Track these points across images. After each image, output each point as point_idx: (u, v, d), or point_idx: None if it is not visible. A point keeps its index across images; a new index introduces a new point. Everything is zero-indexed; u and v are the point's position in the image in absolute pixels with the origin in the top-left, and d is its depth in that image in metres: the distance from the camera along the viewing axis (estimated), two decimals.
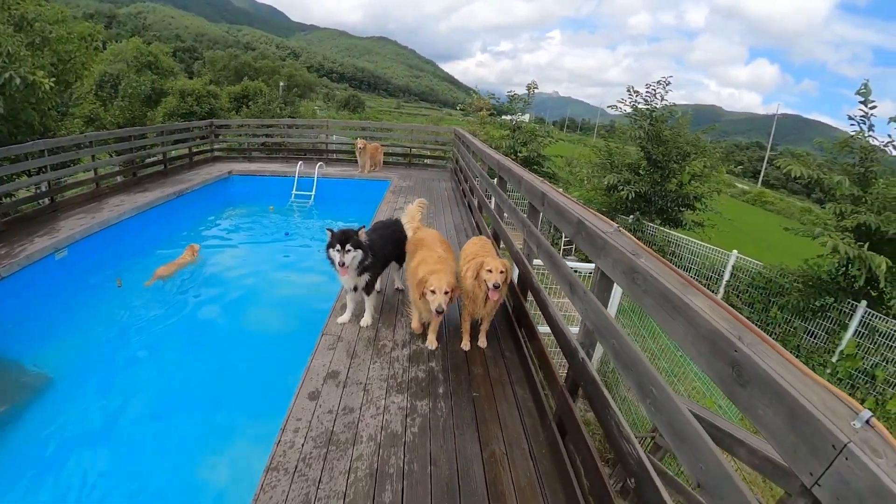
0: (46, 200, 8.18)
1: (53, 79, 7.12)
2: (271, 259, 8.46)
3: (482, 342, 3.96)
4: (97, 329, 5.89)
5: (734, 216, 13.66)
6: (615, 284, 2.10)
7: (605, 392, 2.11)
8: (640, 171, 12.11)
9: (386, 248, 4.36)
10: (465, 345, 3.94)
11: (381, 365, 3.71)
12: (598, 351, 5.76)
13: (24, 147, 7.46)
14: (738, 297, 9.56)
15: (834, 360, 8.19)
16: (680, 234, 11.23)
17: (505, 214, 5.63)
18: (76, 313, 6.15)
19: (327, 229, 3.79)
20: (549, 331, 3.26)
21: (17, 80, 6.34)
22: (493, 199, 6.22)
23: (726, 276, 9.77)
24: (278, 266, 8.13)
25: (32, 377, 4.94)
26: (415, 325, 4.11)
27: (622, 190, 11.74)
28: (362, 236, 3.83)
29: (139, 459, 3.99)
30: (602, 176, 12.78)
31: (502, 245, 5.56)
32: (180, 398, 4.74)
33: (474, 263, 3.61)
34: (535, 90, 16.25)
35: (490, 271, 3.47)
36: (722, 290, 9.77)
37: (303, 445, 2.78)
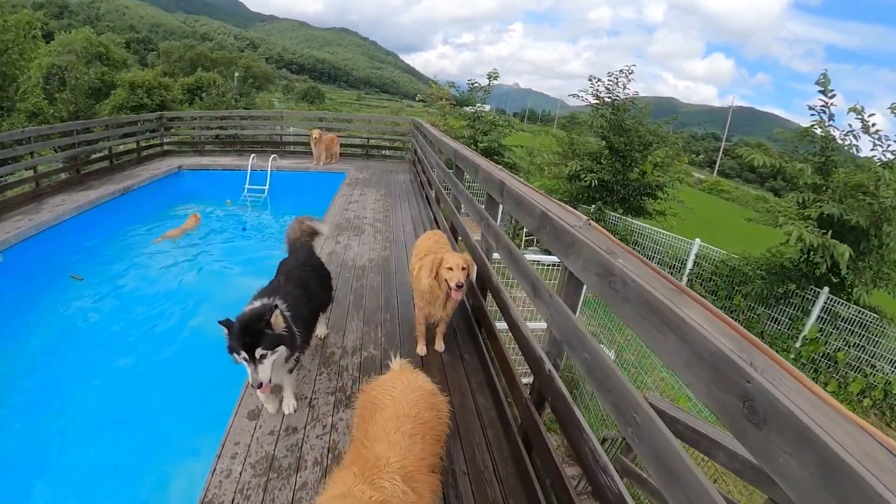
0: None
1: None
2: (227, 256, 8.01)
3: (439, 345, 3.63)
4: (33, 338, 5.39)
5: (693, 205, 13.76)
6: (585, 287, 1.80)
7: (578, 413, 1.80)
8: (602, 161, 12.00)
9: (313, 298, 3.00)
10: (421, 349, 3.60)
11: (328, 376, 3.34)
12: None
13: None
14: (701, 285, 9.57)
15: (797, 345, 8.29)
16: (642, 224, 11.19)
17: (462, 207, 5.26)
18: (11, 322, 5.57)
19: (220, 322, 2.25)
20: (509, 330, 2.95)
21: None
22: (450, 191, 5.88)
23: (689, 265, 9.76)
24: (232, 262, 7.71)
25: None
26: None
27: (585, 178, 11.60)
28: (278, 322, 2.28)
29: (66, 481, 3.57)
30: (563, 164, 12.61)
31: (460, 239, 5.24)
32: (119, 410, 4.27)
33: (430, 260, 3.24)
34: (496, 80, 15.97)
35: (451, 269, 3.12)
36: (685, 278, 9.75)
37: (241, 474, 2.43)
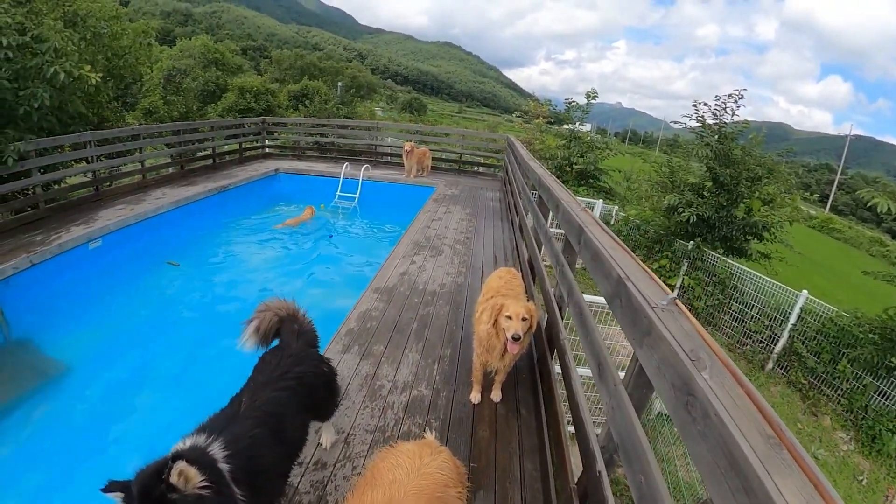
0: (92, 189, 8.32)
1: (101, 74, 7.26)
2: (307, 259, 8.25)
3: (496, 395, 3.32)
4: (120, 320, 5.84)
5: (801, 243, 12.21)
6: (655, 393, 1.44)
7: None
8: (704, 193, 11.02)
9: (289, 429, 2.02)
10: (475, 397, 3.31)
11: (371, 411, 3.15)
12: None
13: (70, 137, 7.53)
14: (804, 344, 8.44)
15: None
16: (743, 266, 10.08)
17: (543, 245, 4.86)
18: (101, 304, 6.09)
19: (106, 490, 1.42)
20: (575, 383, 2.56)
21: (62, 75, 6.45)
22: (531, 219, 5.52)
23: (792, 319, 8.62)
24: (314, 266, 7.92)
25: (49, 364, 4.88)
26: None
27: (683, 212, 10.69)
28: (187, 479, 1.41)
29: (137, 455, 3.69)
30: (662, 195, 11.73)
31: (537, 281, 4.86)
32: (192, 400, 4.36)
33: (491, 305, 2.96)
34: (595, 98, 15.34)
35: (509, 318, 2.82)
36: (786, 334, 8.64)
37: None
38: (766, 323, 9.03)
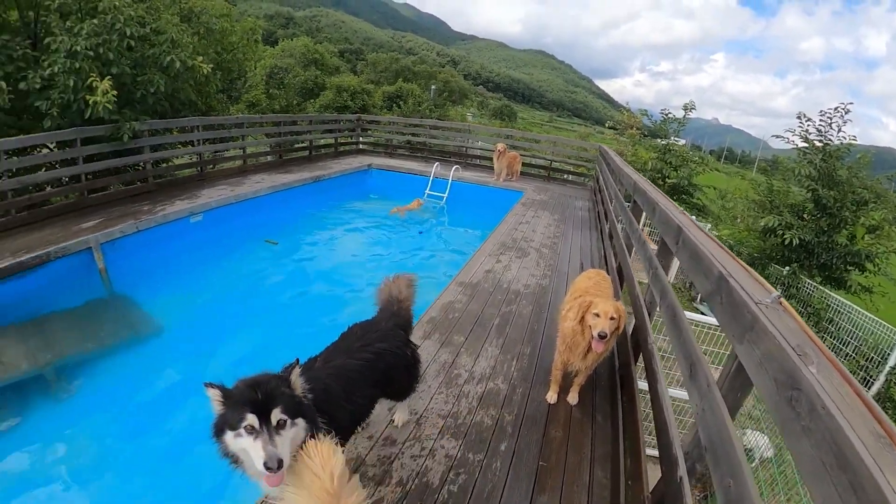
0: (196, 170, 9.16)
1: (211, 65, 8.01)
2: (395, 249, 8.53)
3: (572, 398, 3.25)
4: (211, 289, 6.35)
5: None
6: (754, 388, 1.36)
7: None
8: (805, 216, 10.14)
9: (357, 394, 2.06)
10: (551, 397, 3.26)
11: (446, 397, 3.20)
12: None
13: (180, 121, 8.40)
14: None
15: None
16: (842, 298, 9.13)
17: (634, 249, 4.72)
18: (196, 272, 6.66)
19: (207, 385, 1.52)
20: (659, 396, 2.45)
21: (178, 64, 7.13)
22: (624, 228, 5.36)
23: (891, 362, 7.68)
24: (401, 256, 8.19)
25: (142, 320, 5.34)
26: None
27: (782, 234, 9.88)
28: (297, 383, 1.62)
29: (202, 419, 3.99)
30: (759, 215, 10.91)
31: (626, 286, 4.72)
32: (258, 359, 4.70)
33: (579, 303, 2.90)
34: (693, 110, 14.57)
35: (597, 315, 2.76)
36: (883, 377, 7.72)
37: None
38: (862, 363, 8.14)
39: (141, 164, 7.96)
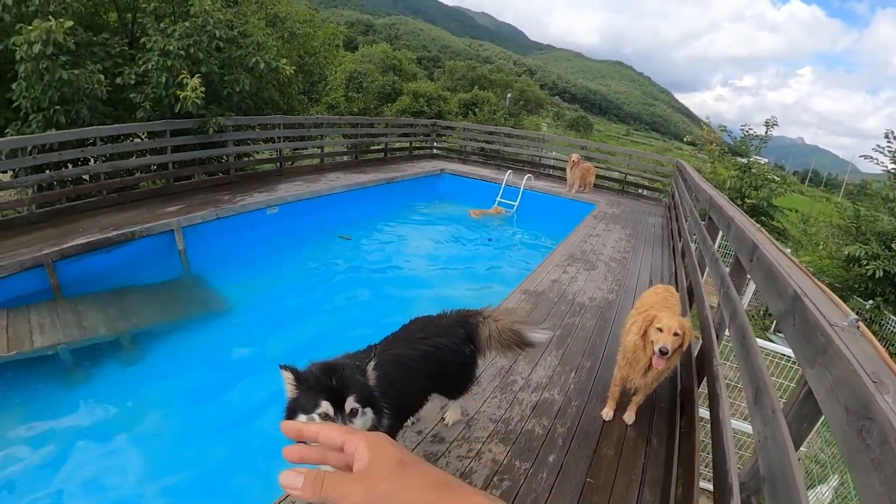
0: (276, 165, 9.71)
1: (294, 67, 8.57)
2: (464, 254, 8.63)
3: (629, 417, 3.14)
4: (281, 278, 6.69)
5: None
6: (823, 418, 1.26)
7: None
8: (894, 246, 9.23)
9: (413, 383, 2.10)
10: (607, 413, 3.16)
11: (499, 402, 3.19)
12: None
13: (263, 119, 8.93)
14: None
15: None
16: None
17: (707, 267, 4.49)
18: (268, 261, 7.05)
19: (284, 368, 1.45)
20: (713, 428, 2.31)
21: (262, 65, 7.62)
22: (697, 245, 5.12)
23: None
24: (468, 261, 8.26)
25: (216, 301, 5.70)
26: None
27: (867, 265, 9.05)
28: (370, 376, 1.59)
29: (268, 397, 4.14)
30: (843, 243, 10.06)
31: (695, 305, 4.50)
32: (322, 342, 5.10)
33: (643, 317, 2.80)
34: (775, 126, 13.63)
35: (660, 330, 2.66)
36: None
37: None
38: None
39: (224, 156, 8.51)
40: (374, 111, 20.01)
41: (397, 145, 14.27)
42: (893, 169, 9.83)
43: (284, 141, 9.60)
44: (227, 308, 5.55)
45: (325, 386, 1.43)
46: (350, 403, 1.43)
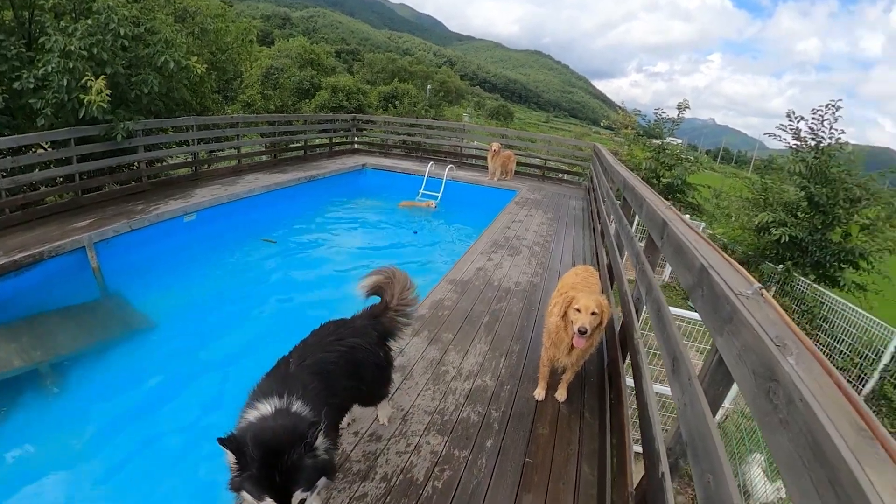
0: (191, 169, 9.12)
1: (205, 66, 8.08)
2: (389, 249, 8.50)
3: (560, 394, 3.22)
4: (204, 287, 6.35)
5: None
6: (735, 385, 1.32)
7: None
8: (799, 214, 10.14)
9: (338, 386, 2.00)
10: (539, 394, 3.23)
11: (433, 394, 3.18)
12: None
13: (174, 121, 8.37)
14: (895, 387, 7.50)
15: None
16: (836, 296, 9.13)
17: (624, 246, 4.69)
18: (188, 271, 6.66)
19: (222, 442, 1.36)
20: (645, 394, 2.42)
21: (172, 64, 7.13)
22: (613, 225, 5.34)
23: (885, 359, 7.66)
24: (395, 256, 8.15)
25: (138, 318, 5.33)
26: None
27: (775, 231, 9.89)
28: (320, 448, 1.48)
29: (205, 412, 4.01)
30: (753, 213, 10.92)
31: (616, 283, 4.70)
32: (249, 366, 4.72)
33: (563, 298, 2.89)
34: (687, 109, 14.55)
35: (578, 311, 2.74)
36: (877, 375, 7.71)
37: None
38: (856, 361, 8.15)
39: (135, 163, 7.95)
40: (292, 108, 19.41)
41: (317, 142, 13.90)
42: (794, 144, 10.69)
43: (199, 143, 9.08)
44: (151, 325, 5.22)
45: (268, 483, 1.35)
46: (297, 497, 1.38)
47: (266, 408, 1.58)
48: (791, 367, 1.01)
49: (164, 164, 8.96)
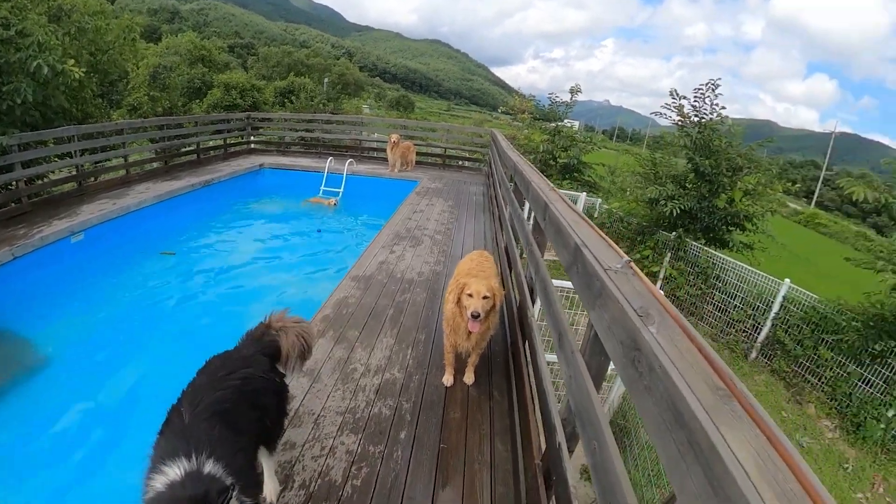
0: (76, 184, 8.21)
1: (84, 69, 7.41)
2: (292, 251, 8.21)
3: (468, 378, 3.29)
4: (103, 311, 5.82)
5: (786, 238, 12.20)
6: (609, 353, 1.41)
7: None
8: (687, 185, 11.05)
9: (242, 420, 1.85)
10: (447, 380, 3.27)
11: (343, 393, 3.12)
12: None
13: (54, 132, 7.50)
14: (786, 332, 8.47)
15: (890, 413, 7.03)
16: (726, 256, 10.10)
17: (517, 228, 4.84)
18: (82, 296, 6.05)
19: None
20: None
21: (46, 69, 6.49)
22: (508, 209, 5.50)
23: (775, 308, 8.64)
24: (298, 257, 7.90)
25: (29, 355, 4.81)
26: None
27: (664, 205, 10.72)
28: None
29: (110, 456, 3.66)
30: (644, 188, 11.75)
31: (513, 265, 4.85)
32: (162, 390, 4.36)
33: (456, 285, 2.95)
34: (579, 92, 15.34)
35: (470, 296, 2.80)
36: (769, 323, 8.67)
37: None
38: (749, 312, 9.04)
39: (12, 182, 7.02)
40: (183, 109, 18.21)
41: (211, 144, 13.10)
42: (678, 121, 11.52)
43: (83, 154, 8.18)
44: (46, 361, 4.69)
45: None
46: None
47: (173, 472, 1.43)
48: (652, 335, 1.07)
49: (46, 180, 8.05)
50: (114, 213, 7.28)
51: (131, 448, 3.62)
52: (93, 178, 8.78)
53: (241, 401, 1.85)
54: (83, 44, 8.75)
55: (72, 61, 6.98)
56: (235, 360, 2.03)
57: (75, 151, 7.98)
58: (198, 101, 22.28)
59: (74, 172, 8.27)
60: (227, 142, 13.29)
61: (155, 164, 10.42)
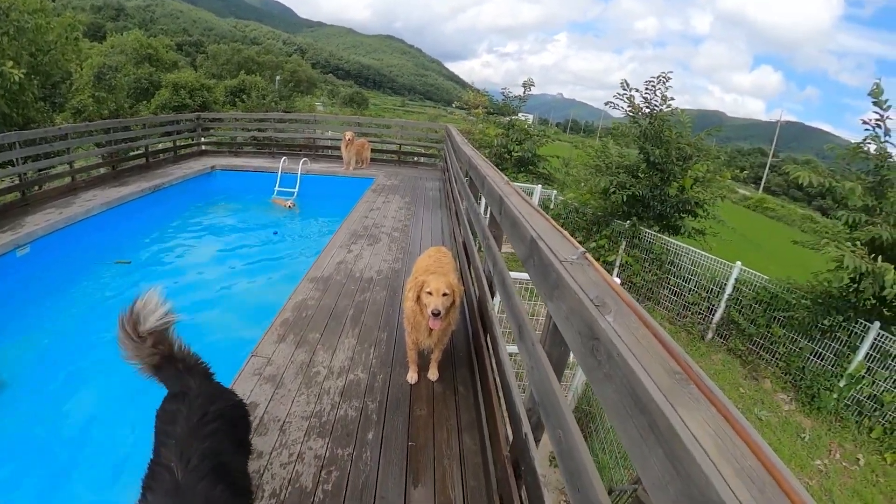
0: (19, 194, 7.72)
1: (25, 70, 6.89)
2: (248, 255, 7.99)
3: (432, 374, 3.29)
4: (55, 328, 5.52)
5: (736, 223, 12.74)
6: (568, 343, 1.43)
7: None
8: (639, 174, 11.37)
9: (238, 460, 1.90)
10: (412, 377, 3.27)
11: (307, 398, 3.07)
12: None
13: None
14: (740, 312, 8.87)
15: (841, 383, 7.48)
16: (679, 242, 10.47)
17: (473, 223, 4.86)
18: (33, 312, 5.74)
19: None
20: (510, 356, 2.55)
21: None
22: (464, 203, 5.52)
23: (728, 290, 9.04)
24: (254, 261, 7.72)
25: None
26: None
27: (614, 194, 11.00)
28: None
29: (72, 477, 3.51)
30: (597, 179, 12.03)
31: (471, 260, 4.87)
32: (122, 406, 4.17)
33: (415, 283, 2.94)
34: (532, 87, 15.52)
35: (430, 293, 2.80)
36: (723, 304, 9.05)
37: None
38: (704, 295, 9.39)
39: None
40: (130, 110, 17.49)
41: (160, 146, 12.55)
42: (629, 111, 11.80)
43: (26, 162, 7.73)
44: None
45: None
46: None
47: None
48: (608, 324, 1.10)
49: None
50: (60, 223, 6.95)
51: (92, 472, 3.51)
52: (37, 187, 8.31)
53: (228, 443, 1.79)
54: (23, 44, 8.40)
55: (11, 63, 6.74)
56: (196, 398, 1.86)
57: (17, 159, 7.55)
58: (145, 101, 21.56)
59: (17, 181, 7.77)
60: (177, 144, 12.80)
61: (102, 170, 9.91)
